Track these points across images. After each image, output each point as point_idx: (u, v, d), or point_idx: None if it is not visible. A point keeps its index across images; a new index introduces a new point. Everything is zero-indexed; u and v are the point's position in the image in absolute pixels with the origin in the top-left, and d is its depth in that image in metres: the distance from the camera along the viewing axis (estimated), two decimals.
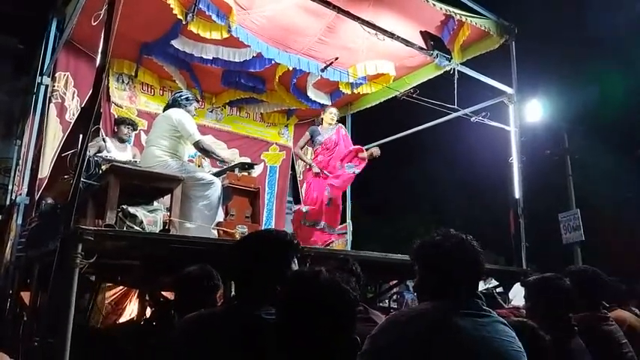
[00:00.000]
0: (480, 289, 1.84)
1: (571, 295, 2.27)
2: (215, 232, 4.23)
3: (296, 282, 1.24)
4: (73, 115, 5.63)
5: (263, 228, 7.06)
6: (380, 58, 5.92)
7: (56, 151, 5.35)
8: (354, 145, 5.99)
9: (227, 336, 1.37)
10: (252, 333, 1.33)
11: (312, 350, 1.13)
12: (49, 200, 4.86)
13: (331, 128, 5.93)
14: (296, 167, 7.89)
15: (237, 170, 4.73)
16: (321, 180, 5.67)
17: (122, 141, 5.36)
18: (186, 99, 4.55)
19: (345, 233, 7.01)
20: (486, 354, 1.42)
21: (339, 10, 4.45)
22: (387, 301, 7.36)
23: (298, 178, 7.88)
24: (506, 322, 1.56)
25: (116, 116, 5.89)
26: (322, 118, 6.06)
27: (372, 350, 1.45)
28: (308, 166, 6.01)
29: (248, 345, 1.32)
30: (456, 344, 1.40)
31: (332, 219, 5.64)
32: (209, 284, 2.53)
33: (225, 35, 5.03)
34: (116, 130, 5.46)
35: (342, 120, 7.45)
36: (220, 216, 4.42)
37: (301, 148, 6.22)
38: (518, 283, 5.06)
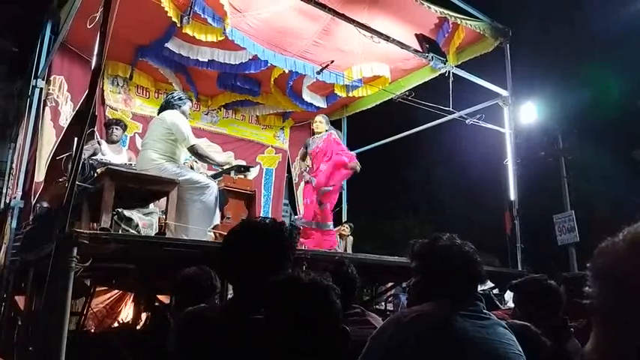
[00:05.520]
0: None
1: (558, 296, 2.26)
2: (211, 234, 4.22)
3: (278, 289, 1.26)
4: (67, 120, 5.61)
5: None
6: (375, 60, 5.93)
7: (50, 155, 5.33)
8: (347, 148, 5.96)
9: (226, 339, 1.36)
10: (251, 336, 1.32)
11: (305, 348, 1.15)
12: (45, 204, 4.84)
13: (320, 137, 5.74)
14: (292, 170, 7.89)
15: (232, 173, 4.73)
16: (310, 186, 5.66)
17: (113, 142, 5.32)
18: (179, 99, 4.52)
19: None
20: (486, 356, 1.42)
21: (335, 13, 4.47)
22: (383, 303, 7.36)
23: (294, 181, 7.88)
24: (506, 325, 1.56)
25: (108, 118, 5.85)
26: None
27: (374, 351, 1.45)
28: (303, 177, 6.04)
29: (247, 348, 1.31)
30: (457, 345, 1.41)
31: (323, 218, 5.63)
32: (207, 284, 2.53)
33: (221, 38, 5.04)
34: (107, 133, 5.42)
35: (337, 123, 7.46)
36: (217, 219, 4.41)
37: (303, 160, 6.20)
38: None
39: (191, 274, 2.56)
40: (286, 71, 5.89)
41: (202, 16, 4.68)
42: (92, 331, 5.08)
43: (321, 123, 5.79)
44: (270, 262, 1.46)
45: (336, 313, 1.22)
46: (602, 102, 13.22)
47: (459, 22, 5.29)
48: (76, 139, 3.07)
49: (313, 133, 5.97)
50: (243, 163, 6.51)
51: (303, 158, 6.17)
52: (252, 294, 1.42)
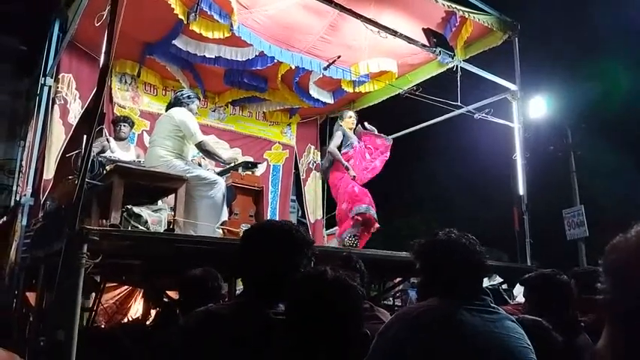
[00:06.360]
0: (484, 285, 1.84)
1: (569, 291, 2.25)
2: (219, 231, 4.24)
3: (303, 283, 1.24)
4: (75, 117, 5.64)
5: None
6: (382, 55, 5.91)
7: (59, 152, 5.37)
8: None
9: (236, 335, 1.35)
10: (262, 333, 1.31)
11: (324, 348, 1.14)
12: (54, 201, 4.88)
13: (353, 134, 5.57)
14: (299, 166, 7.89)
15: (240, 169, 4.74)
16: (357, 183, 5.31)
17: (121, 139, 5.36)
18: (188, 97, 4.55)
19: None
20: (495, 349, 1.43)
21: (342, 9, 4.45)
22: (391, 299, 7.36)
23: (301, 177, 7.89)
24: (516, 319, 1.56)
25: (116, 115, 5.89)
26: (340, 124, 5.56)
27: (381, 347, 1.45)
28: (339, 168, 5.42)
29: (258, 345, 1.30)
30: (464, 339, 1.41)
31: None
32: (212, 286, 2.54)
33: (228, 34, 5.04)
34: (115, 130, 5.46)
35: None
36: (225, 215, 4.43)
37: (338, 148, 5.45)
38: None
39: (197, 276, 2.57)
40: (293, 67, 5.88)
41: (209, 12, 4.68)
42: (102, 326, 5.13)
43: (356, 119, 5.66)
44: (288, 260, 1.45)
45: (358, 314, 1.19)
46: (612, 96, 13.10)
47: (466, 16, 5.25)
48: (85, 136, 3.09)
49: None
50: (251, 159, 6.53)
51: (339, 146, 5.43)
52: (267, 290, 1.42)
